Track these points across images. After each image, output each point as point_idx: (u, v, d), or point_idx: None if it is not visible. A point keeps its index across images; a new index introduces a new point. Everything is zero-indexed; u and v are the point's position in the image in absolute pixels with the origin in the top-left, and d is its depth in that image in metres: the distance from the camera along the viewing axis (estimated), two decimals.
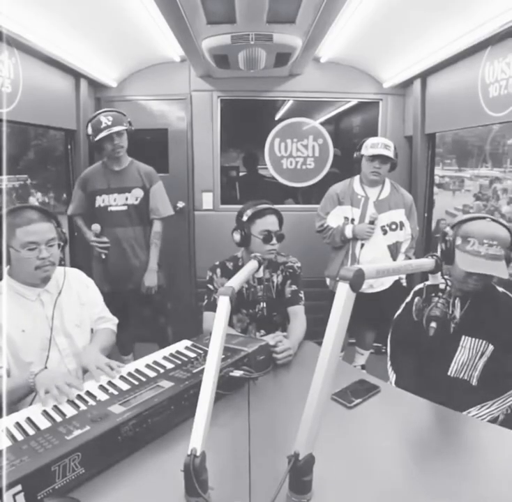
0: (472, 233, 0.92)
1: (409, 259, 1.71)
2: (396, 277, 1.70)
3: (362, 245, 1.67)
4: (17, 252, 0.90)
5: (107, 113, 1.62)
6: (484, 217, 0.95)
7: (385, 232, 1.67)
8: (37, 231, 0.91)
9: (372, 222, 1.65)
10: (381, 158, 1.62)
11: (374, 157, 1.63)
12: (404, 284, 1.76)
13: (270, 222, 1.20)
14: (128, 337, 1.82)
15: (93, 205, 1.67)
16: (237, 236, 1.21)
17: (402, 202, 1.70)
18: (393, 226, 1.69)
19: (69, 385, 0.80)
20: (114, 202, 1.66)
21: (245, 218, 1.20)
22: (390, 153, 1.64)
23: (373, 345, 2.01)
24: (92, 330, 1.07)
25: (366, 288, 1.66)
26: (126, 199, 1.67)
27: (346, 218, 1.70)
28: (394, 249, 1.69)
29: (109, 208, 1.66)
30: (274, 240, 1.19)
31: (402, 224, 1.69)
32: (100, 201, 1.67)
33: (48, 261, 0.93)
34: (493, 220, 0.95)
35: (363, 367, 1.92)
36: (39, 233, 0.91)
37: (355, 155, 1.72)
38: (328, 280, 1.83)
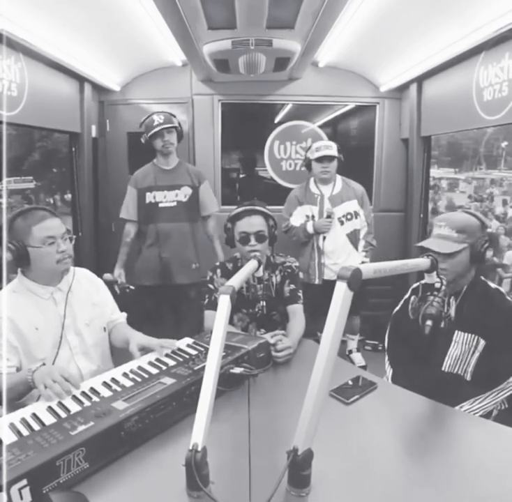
0: (435, 220, 1.05)
1: (370, 243, 1.91)
2: (360, 260, 1.86)
3: (324, 238, 1.85)
4: (37, 248, 0.92)
5: (160, 113, 1.74)
6: (460, 208, 1.03)
7: (342, 223, 1.85)
8: (53, 226, 0.94)
9: (328, 216, 1.82)
10: (327, 158, 1.82)
11: (321, 159, 1.82)
12: None
13: (247, 224, 1.19)
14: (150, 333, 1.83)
15: (143, 201, 1.75)
16: (224, 239, 1.25)
17: (353, 194, 1.88)
18: (349, 217, 1.87)
19: (66, 379, 0.79)
20: (164, 199, 1.75)
21: (228, 222, 1.24)
22: (333, 152, 1.82)
23: (370, 343, 2.13)
24: (104, 329, 1.08)
25: (333, 276, 1.79)
26: (176, 195, 1.76)
27: (307, 216, 1.88)
28: (353, 237, 1.88)
29: (160, 205, 1.75)
30: (253, 241, 1.18)
31: (356, 214, 1.87)
32: (151, 197, 1.75)
33: (67, 254, 0.96)
34: (464, 211, 1.03)
35: (357, 349, 2.05)
36: (55, 228, 0.94)
37: (304, 159, 1.92)
38: (301, 274, 1.93)
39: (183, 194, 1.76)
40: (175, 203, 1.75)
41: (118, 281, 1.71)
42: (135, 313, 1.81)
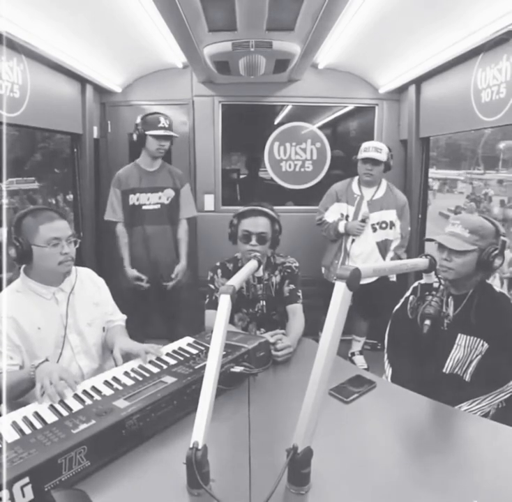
0: (450, 218, 1.06)
1: (399, 256, 1.82)
2: None
3: (352, 240, 1.81)
4: (41, 248, 0.93)
5: (166, 117, 1.73)
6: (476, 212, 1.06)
7: (374, 230, 1.81)
8: (59, 228, 0.95)
9: (363, 220, 1.78)
10: (372, 161, 1.75)
11: (366, 160, 1.75)
12: (394, 279, 1.86)
13: (251, 223, 1.20)
14: (142, 333, 1.83)
15: (126, 203, 1.74)
16: (228, 233, 1.27)
17: (394, 203, 1.82)
18: (383, 225, 1.81)
19: (63, 380, 0.79)
20: (148, 201, 1.74)
21: (234, 218, 1.25)
22: (381, 156, 1.75)
23: (369, 342, 2.13)
24: (104, 328, 1.09)
25: None
26: (159, 197, 1.75)
27: (341, 214, 1.83)
28: (383, 247, 1.82)
29: (143, 207, 1.74)
30: (253, 241, 1.19)
31: (392, 224, 1.82)
32: (134, 199, 1.74)
33: (70, 257, 0.96)
34: (482, 216, 1.04)
35: (360, 352, 2.04)
36: (61, 230, 0.95)
37: (353, 158, 1.85)
38: (322, 269, 1.94)
39: (166, 196, 1.74)
40: (158, 206, 1.73)
41: (141, 277, 1.72)
42: (127, 314, 1.82)
